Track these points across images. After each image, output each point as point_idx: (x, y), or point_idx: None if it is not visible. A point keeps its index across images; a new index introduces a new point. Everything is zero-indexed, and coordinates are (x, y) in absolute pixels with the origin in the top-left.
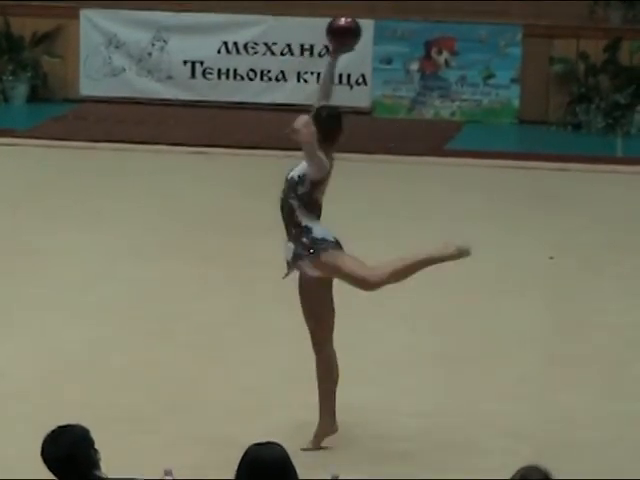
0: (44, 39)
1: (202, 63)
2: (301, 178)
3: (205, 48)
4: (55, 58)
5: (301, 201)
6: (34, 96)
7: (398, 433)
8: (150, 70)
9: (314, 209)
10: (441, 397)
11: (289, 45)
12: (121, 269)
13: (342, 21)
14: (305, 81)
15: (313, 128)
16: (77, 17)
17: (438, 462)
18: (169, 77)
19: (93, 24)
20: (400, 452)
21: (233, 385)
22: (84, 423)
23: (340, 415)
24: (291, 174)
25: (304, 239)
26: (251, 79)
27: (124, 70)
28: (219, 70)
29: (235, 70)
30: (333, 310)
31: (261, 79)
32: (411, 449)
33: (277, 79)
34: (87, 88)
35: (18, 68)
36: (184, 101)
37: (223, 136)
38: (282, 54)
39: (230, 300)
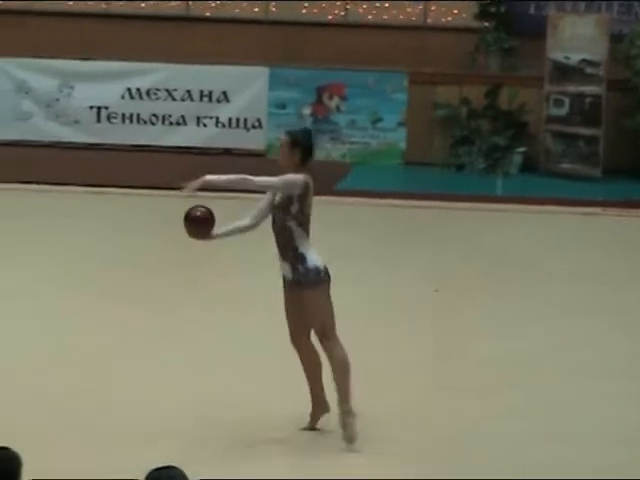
0: None
1: (107, 108)
2: (290, 198)
3: (109, 94)
4: None
5: (297, 219)
6: None
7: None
8: (58, 115)
9: (307, 226)
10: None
11: (189, 91)
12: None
13: (198, 212)
14: (204, 125)
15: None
16: None
17: None
18: (76, 121)
19: (3, 71)
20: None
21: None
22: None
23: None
24: (277, 200)
25: (300, 267)
26: (153, 123)
27: (33, 115)
28: (123, 115)
29: (138, 114)
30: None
31: (162, 123)
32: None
33: (177, 123)
34: None
35: None
36: (90, 144)
37: (125, 177)
38: (182, 99)
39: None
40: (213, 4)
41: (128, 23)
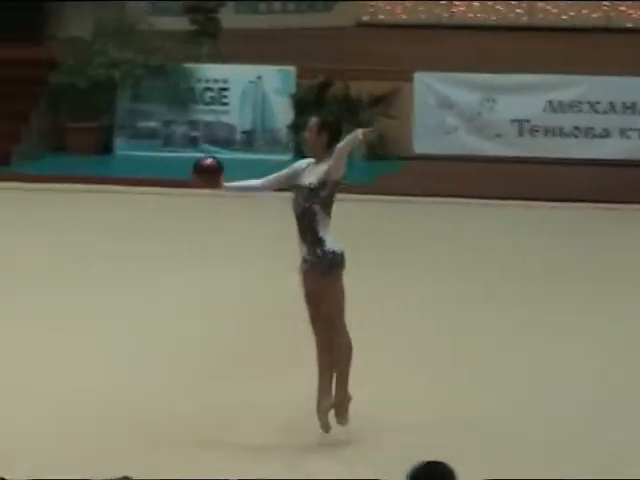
0: (380, 101)
1: (528, 121)
2: (322, 183)
3: (531, 107)
4: (391, 119)
5: (323, 203)
6: (371, 154)
7: None
8: (479, 129)
9: (330, 209)
10: None
11: (611, 103)
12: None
13: (208, 161)
14: (627, 137)
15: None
16: (411, 80)
17: None
18: (497, 135)
19: (427, 86)
20: None
21: None
22: None
23: None
24: (308, 181)
25: (318, 250)
26: (575, 136)
27: (456, 129)
28: (545, 128)
29: (560, 128)
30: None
31: (585, 136)
32: None
33: (600, 136)
34: (420, 146)
35: (356, 128)
36: (512, 158)
37: (550, 190)
38: (605, 112)
39: None
40: (635, 14)
41: (548, 35)
